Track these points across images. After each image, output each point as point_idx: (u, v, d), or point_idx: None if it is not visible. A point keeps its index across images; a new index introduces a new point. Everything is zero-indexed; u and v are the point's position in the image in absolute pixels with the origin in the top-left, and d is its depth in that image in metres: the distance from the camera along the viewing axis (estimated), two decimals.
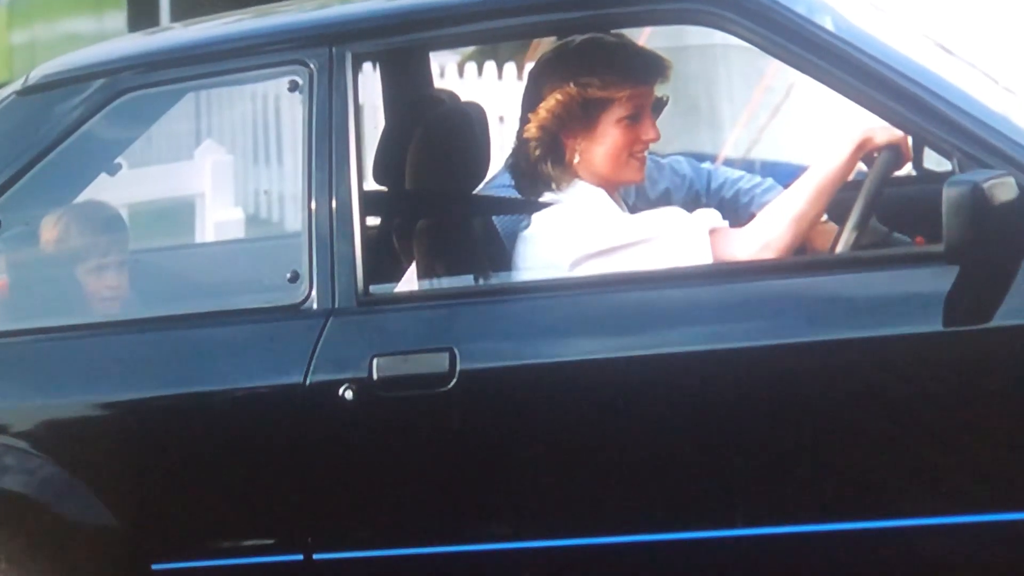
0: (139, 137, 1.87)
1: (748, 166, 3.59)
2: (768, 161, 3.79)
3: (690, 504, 1.52)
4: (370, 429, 1.57)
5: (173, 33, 1.90)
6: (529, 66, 1.79)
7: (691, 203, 1.78)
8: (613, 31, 1.71)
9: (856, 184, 1.65)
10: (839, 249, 1.58)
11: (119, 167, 1.84)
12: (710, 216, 1.64)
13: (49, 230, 1.81)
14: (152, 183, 3.43)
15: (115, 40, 2.03)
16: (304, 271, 1.60)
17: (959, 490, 1.47)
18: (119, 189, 1.94)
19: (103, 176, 1.81)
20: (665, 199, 1.79)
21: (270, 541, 1.60)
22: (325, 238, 1.59)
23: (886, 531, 1.48)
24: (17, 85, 1.76)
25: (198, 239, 3.45)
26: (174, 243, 3.00)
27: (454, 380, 1.54)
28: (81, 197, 1.82)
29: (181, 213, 3.56)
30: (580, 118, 1.65)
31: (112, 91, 1.67)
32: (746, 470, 1.51)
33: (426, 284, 1.65)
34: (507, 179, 1.74)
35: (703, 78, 4.07)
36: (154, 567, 1.59)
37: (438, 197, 1.69)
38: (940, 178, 1.59)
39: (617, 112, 1.66)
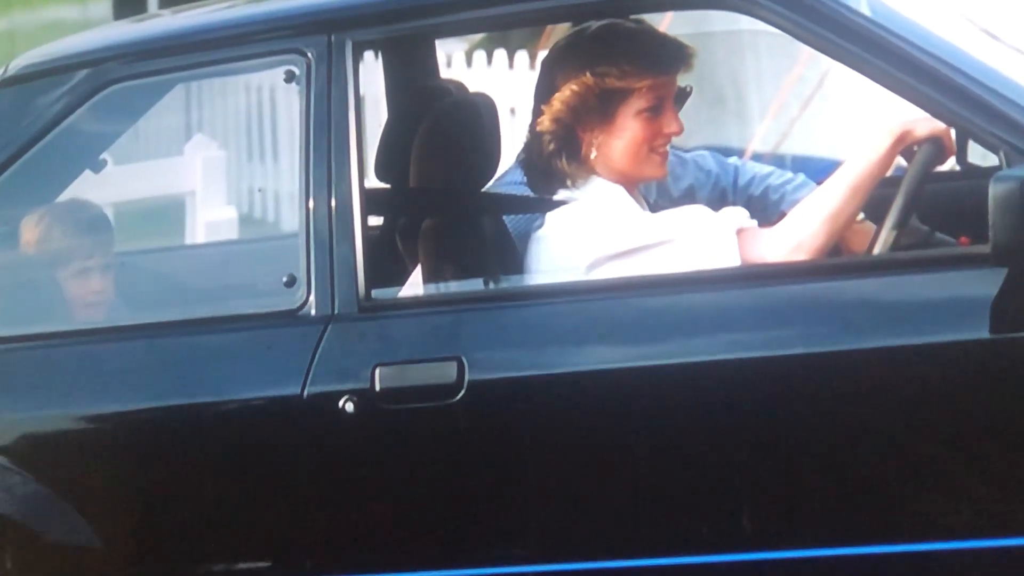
0: (126, 132, 1.88)
1: (778, 161, 3.58)
2: (799, 156, 3.78)
3: (717, 525, 1.51)
4: (372, 444, 1.57)
5: (162, 21, 1.91)
6: (542, 54, 1.79)
7: (717, 201, 1.78)
8: (632, 16, 1.71)
9: (895, 180, 1.65)
10: (877, 250, 1.57)
11: (104, 164, 1.85)
12: (737, 215, 1.64)
13: (30, 231, 1.81)
14: (139, 181, 3.44)
15: (100, 28, 2.04)
16: (301, 274, 1.60)
17: (1007, 511, 1.47)
18: (104, 187, 1.95)
19: (87, 173, 1.82)
20: (689, 197, 1.79)
21: (266, 564, 1.60)
22: (324, 239, 1.59)
23: (928, 555, 1.47)
24: None
25: (188, 240, 3.46)
26: (163, 245, 3.01)
27: (462, 391, 1.53)
28: (64, 196, 1.82)
29: (170, 213, 3.57)
30: (597, 110, 1.65)
31: (97, 83, 1.68)
32: (777, 489, 1.51)
33: (432, 288, 1.65)
34: (519, 176, 1.74)
35: (729, 67, 4.06)
36: None
37: (445, 195, 1.69)
38: (986, 173, 1.57)
39: (637, 103, 1.65)
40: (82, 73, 1.68)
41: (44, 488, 1.61)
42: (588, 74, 1.64)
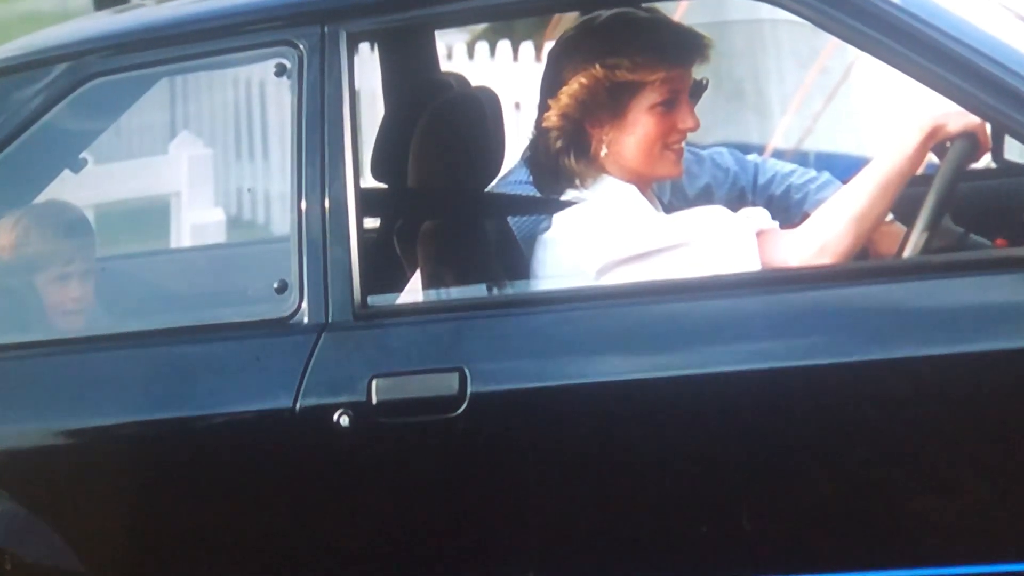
0: (107, 129, 1.88)
1: (801, 158, 3.59)
2: (824, 152, 3.78)
3: (735, 546, 1.51)
4: (369, 459, 1.56)
5: (145, 11, 1.91)
6: (549, 45, 1.80)
7: (735, 201, 1.78)
8: (644, 5, 1.71)
9: (926, 179, 1.64)
10: (907, 253, 1.57)
11: (85, 163, 1.85)
12: (757, 216, 1.63)
13: (5, 235, 1.82)
14: (122, 181, 3.46)
15: (80, 19, 2.05)
16: (293, 280, 1.60)
17: None
18: (84, 188, 1.96)
19: (66, 173, 1.82)
20: (705, 196, 1.79)
21: None
22: (317, 243, 1.59)
23: None
24: None
25: (173, 244, 3.48)
26: (146, 249, 3.02)
27: (464, 404, 1.53)
28: (41, 197, 1.83)
29: (154, 214, 3.59)
30: (607, 105, 1.65)
31: (77, 77, 1.68)
32: (801, 507, 1.50)
33: (432, 295, 1.65)
34: (524, 175, 1.74)
35: (748, 58, 4.07)
36: None
37: (445, 196, 1.69)
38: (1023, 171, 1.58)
39: (650, 98, 1.65)
40: (61, 67, 1.69)
41: (21, 507, 1.61)
42: (598, 66, 1.64)
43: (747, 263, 1.59)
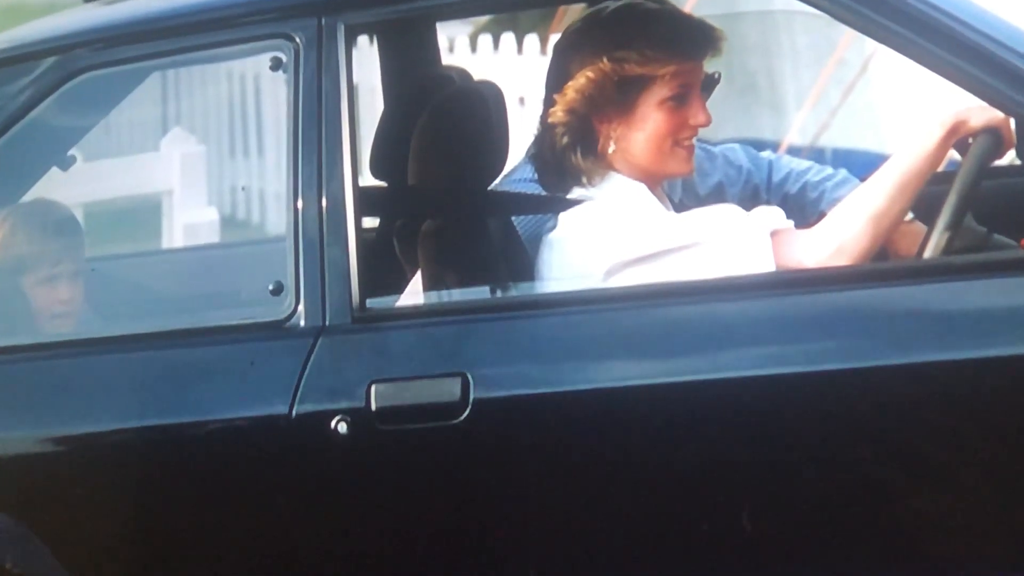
0: (97, 125, 1.89)
1: (817, 155, 3.59)
2: (841, 149, 3.78)
3: (743, 553, 1.50)
4: (367, 468, 1.56)
5: (135, 4, 1.91)
6: (554, 38, 1.80)
7: (749, 199, 1.78)
8: None
9: (947, 176, 1.64)
10: (928, 254, 1.57)
11: (73, 160, 1.86)
12: (771, 215, 1.63)
13: None
14: (112, 179, 3.47)
15: (68, 12, 2.05)
16: (289, 282, 1.60)
17: None
18: (73, 186, 1.96)
19: (54, 171, 1.83)
20: (718, 195, 1.79)
21: None
22: (314, 243, 1.59)
23: None
24: None
25: (165, 244, 3.49)
26: (137, 249, 3.03)
27: (466, 411, 1.53)
28: (29, 196, 1.83)
29: (145, 213, 3.60)
30: (615, 99, 1.65)
31: (65, 71, 1.68)
32: (815, 516, 1.50)
33: (433, 297, 1.65)
34: (529, 172, 1.74)
35: (762, 51, 4.07)
36: None
37: (447, 194, 1.69)
38: None
39: (660, 92, 1.65)
40: (49, 61, 1.69)
41: (7, 517, 1.61)
42: (605, 60, 1.64)
43: (761, 264, 1.58)
